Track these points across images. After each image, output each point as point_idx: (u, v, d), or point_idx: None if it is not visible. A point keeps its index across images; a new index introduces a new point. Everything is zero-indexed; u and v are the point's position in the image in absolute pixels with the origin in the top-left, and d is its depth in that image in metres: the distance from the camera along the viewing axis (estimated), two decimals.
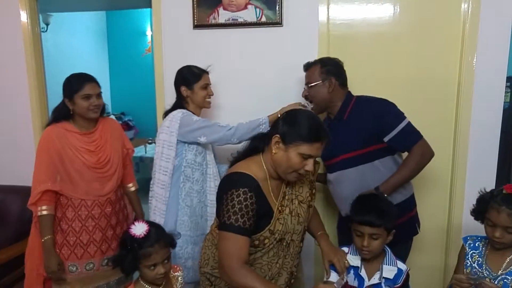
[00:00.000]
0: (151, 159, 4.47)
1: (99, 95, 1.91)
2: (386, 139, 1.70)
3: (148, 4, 2.45)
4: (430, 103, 2.16)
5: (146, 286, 1.34)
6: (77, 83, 1.87)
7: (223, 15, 2.29)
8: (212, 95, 2.07)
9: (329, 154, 1.76)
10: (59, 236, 1.90)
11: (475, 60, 2.04)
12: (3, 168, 2.67)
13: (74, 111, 1.89)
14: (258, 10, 2.26)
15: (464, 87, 2.08)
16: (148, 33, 5.49)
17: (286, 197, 1.43)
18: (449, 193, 2.20)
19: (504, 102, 3.65)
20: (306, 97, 1.89)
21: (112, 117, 3.34)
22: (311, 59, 2.19)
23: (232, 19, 2.29)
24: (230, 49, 2.32)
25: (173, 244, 1.38)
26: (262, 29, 2.26)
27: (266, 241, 1.36)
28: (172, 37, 2.39)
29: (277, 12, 2.21)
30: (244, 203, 1.28)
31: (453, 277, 1.42)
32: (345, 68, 2.21)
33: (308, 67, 1.89)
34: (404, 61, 2.16)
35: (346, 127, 1.77)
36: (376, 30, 2.18)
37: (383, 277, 1.47)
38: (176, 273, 1.46)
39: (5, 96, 2.66)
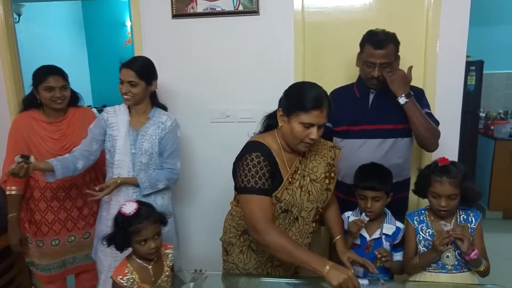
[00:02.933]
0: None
1: (63, 88, 2.04)
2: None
3: None
4: None
5: (138, 260, 1.42)
6: (41, 74, 2.02)
7: (201, 5, 2.35)
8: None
9: (361, 119, 1.91)
10: (27, 214, 2.09)
11: (437, 44, 2.18)
12: None
13: (41, 100, 2.05)
14: None
15: (428, 69, 2.22)
16: (128, 24, 5.43)
17: (299, 172, 1.52)
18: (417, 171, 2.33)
19: (469, 85, 3.91)
20: (378, 78, 1.85)
21: (94, 110, 3.35)
22: (287, 47, 2.31)
23: (210, 8, 2.36)
24: (208, 38, 2.39)
25: (163, 222, 1.46)
26: (239, 18, 2.33)
27: (273, 207, 1.47)
28: (151, 27, 2.42)
29: (254, 1, 2.28)
30: (258, 166, 1.42)
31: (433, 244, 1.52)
32: (320, 54, 2.34)
33: (384, 45, 1.82)
34: None
35: (391, 103, 1.85)
36: (349, 18, 2.28)
37: (383, 233, 1.69)
38: (167, 251, 1.53)
39: None
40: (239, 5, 2.33)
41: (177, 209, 2.54)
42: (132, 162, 1.89)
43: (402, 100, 1.80)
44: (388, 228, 1.71)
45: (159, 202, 1.96)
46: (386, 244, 1.70)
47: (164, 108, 2.08)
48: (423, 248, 1.61)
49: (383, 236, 1.70)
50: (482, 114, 4.28)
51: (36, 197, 2.08)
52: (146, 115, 1.96)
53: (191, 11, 2.37)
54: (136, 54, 2.46)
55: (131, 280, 1.39)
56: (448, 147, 2.24)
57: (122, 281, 1.37)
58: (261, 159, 1.42)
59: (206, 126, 2.46)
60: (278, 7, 2.29)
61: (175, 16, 2.38)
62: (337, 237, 1.64)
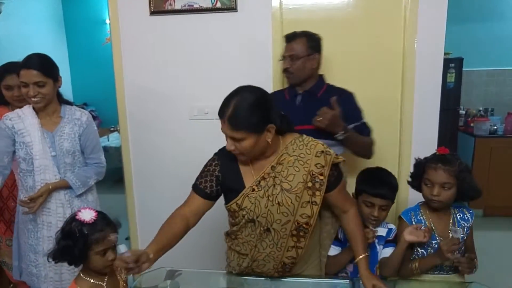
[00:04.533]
0: (115, 148, 4.45)
1: (19, 87, 1.92)
2: (351, 126, 1.79)
3: None
4: (378, 82, 2.29)
5: (90, 279, 1.27)
6: (0, 73, 2.00)
7: (179, 1, 2.32)
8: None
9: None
10: None
11: (416, 40, 2.18)
12: None
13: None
14: None
15: (407, 66, 2.22)
16: (108, 21, 5.37)
17: (266, 179, 1.39)
18: (397, 168, 2.33)
19: (449, 82, 3.95)
20: (286, 69, 1.86)
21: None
22: (266, 44, 2.29)
23: (188, 5, 2.33)
24: (186, 35, 2.36)
25: (117, 231, 1.31)
26: (217, 15, 2.31)
27: (237, 214, 1.43)
28: (129, 24, 2.39)
29: None
30: (207, 167, 1.47)
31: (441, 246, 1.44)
32: None
33: (292, 38, 1.85)
34: (354, 43, 2.27)
35: (318, 103, 1.78)
36: (327, 15, 2.27)
37: (377, 235, 1.60)
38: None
39: None
40: (217, 1, 2.31)
41: (154, 206, 2.53)
42: (55, 165, 1.79)
43: (340, 137, 1.72)
44: (381, 231, 1.62)
45: (90, 199, 1.91)
46: (379, 248, 1.61)
47: (70, 103, 1.95)
48: (422, 250, 1.54)
49: (376, 240, 1.61)
50: (462, 112, 4.32)
51: (4, 196, 2.04)
52: (57, 114, 1.84)
53: (169, 8, 2.34)
54: (114, 51, 2.43)
55: None
56: (427, 144, 2.24)
57: None
58: (214, 162, 1.47)
59: (185, 123, 2.43)
60: (256, 4, 2.27)
61: (153, 13, 2.34)
62: (360, 257, 1.43)
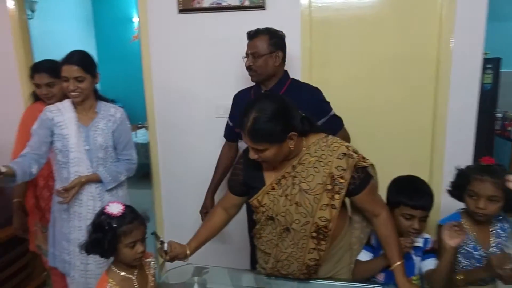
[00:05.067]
0: (142, 145, 4.50)
1: (48, 85, 2.04)
2: (320, 121, 1.77)
3: None
4: (409, 84, 2.22)
5: (120, 272, 1.31)
6: (31, 71, 2.10)
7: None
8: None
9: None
10: (35, 201, 2.16)
11: (452, 40, 2.09)
12: None
13: None
14: None
15: (442, 67, 2.13)
16: (135, 19, 5.45)
17: (286, 178, 1.39)
18: (428, 173, 2.26)
19: (486, 84, 3.79)
20: (249, 67, 1.84)
21: None
22: (294, 42, 2.25)
23: (216, 3, 2.32)
24: (214, 33, 2.35)
25: (145, 224, 1.36)
26: (245, 13, 2.29)
27: (257, 211, 1.46)
28: (157, 22, 2.41)
29: None
30: (235, 165, 1.56)
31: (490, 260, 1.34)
32: (327, 50, 2.28)
33: (254, 36, 1.84)
34: (385, 42, 2.21)
35: None
36: (357, 13, 2.21)
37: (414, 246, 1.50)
38: (148, 259, 1.42)
39: None
40: (245, 0, 2.29)
41: (180, 202, 2.54)
42: (89, 158, 1.84)
43: None
44: (418, 240, 1.52)
45: (120, 194, 1.95)
46: (417, 260, 1.52)
47: (107, 100, 2.00)
48: (465, 261, 1.46)
49: (413, 251, 1.52)
50: (499, 115, 4.13)
51: (40, 185, 2.11)
52: (93, 110, 1.89)
53: (197, 5, 2.34)
54: (143, 49, 2.46)
55: None
56: (463, 148, 2.17)
57: None
58: (240, 160, 1.53)
59: (212, 121, 2.42)
60: (285, 2, 2.24)
61: (181, 11, 2.35)
62: (396, 264, 1.37)
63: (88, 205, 1.83)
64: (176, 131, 2.50)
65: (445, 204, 2.07)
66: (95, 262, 1.81)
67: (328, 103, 1.88)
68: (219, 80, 2.40)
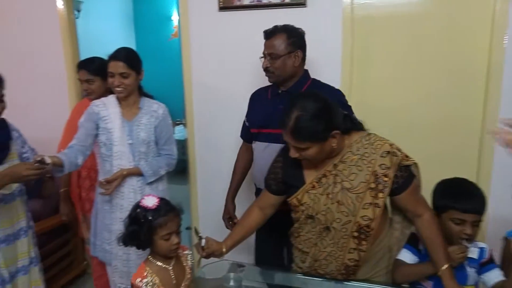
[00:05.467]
0: (178, 141, 4.58)
1: (87, 81, 2.15)
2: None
3: None
4: (458, 86, 2.12)
5: (157, 262, 1.34)
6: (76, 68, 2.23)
7: None
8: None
9: (267, 123, 1.79)
10: (79, 190, 2.26)
11: (506, 38, 1.98)
12: (44, 148, 2.83)
13: None
14: None
15: (494, 69, 2.02)
16: (174, 18, 5.55)
17: (327, 177, 1.37)
18: (475, 177, 2.15)
19: None
20: (266, 69, 1.75)
21: None
22: (335, 41, 2.22)
23: (257, 0, 2.32)
24: (254, 31, 2.34)
25: (180, 217, 1.38)
26: (286, 10, 2.27)
27: (297, 209, 1.44)
28: (198, 20, 2.43)
29: None
30: (273, 163, 1.53)
31: None
32: (370, 50, 2.23)
33: (271, 35, 1.72)
34: (432, 41, 2.13)
35: None
36: (402, 10, 2.14)
37: (468, 257, 1.40)
38: (185, 252, 1.45)
39: (44, 83, 2.80)
40: None
41: (216, 199, 2.56)
42: (131, 152, 1.89)
43: None
44: (472, 251, 1.41)
45: (160, 188, 1.99)
46: (471, 271, 1.42)
47: (150, 96, 2.04)
48: None
49: (467, 262, 1.41)
50: None
51: (83, 176, 2.20)
52: (137, 106, 1.94)
53: (238, 3, 2.35)
54: (183, 47, 2.50)
55: (151, 283, 1.30)
56: None
57: (141, 284, 1.29)
58: (278, 158, 1.51)
59: None
60: None
61: (221, 8, 2.37)
62: (443, 267, 1.31)
63: (130, 197, 1.88)
64: (214, 128, 2.53)
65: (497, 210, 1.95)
66: (136, 252, 1.84)
67: (349, 106, 1.74)
68: (257, 79, 2.38)
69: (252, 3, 2.32)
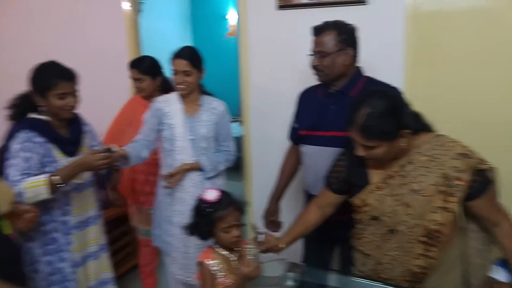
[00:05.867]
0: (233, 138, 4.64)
1: (137, 80, 2.27)
2: None
3: None
4: None
5: (222, 251, 1.39)
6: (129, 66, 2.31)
7: None
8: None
9: (318, 125, 1.72)
10: (131, 183, 2.38)
11: None
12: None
13: None
14: None
15: None
16: (229, 16, 5.64)
17: (394, 178, 1.33)
18: None
19: None
20: (315, 67, 1.69)
21: None
22: (397, 39, 2.14)
23: None
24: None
25: (243, 210, 1.41)
26: (346, 8, 2.23)
27: (360, 210, 1.41)
28: (256, 18, 2.45)
29: None
30: (336, 162, 1.51)
31: None
32: (436, 50, 2.12)
33: (320, 31, 1.65)
34: (505, 39, 1.99)
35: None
36: (472, 6, 2.02)
37: None
38: (247, 245, 1.47)
39: (109, 80, 2.96)
40: None
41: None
42: (193, 147, 1.95)
43: None
44: None
45: (219, 183, 2.04)
46: None
47: (209, 93, 2.10)
48: None
49: None
50: None
51: (138, 170, 2.31)
52: (197, 102, 2.00)
53: (296, 1, 2.34)
54: (241, 45, 2.53)
55: (218, 266, 1.36)
56: None
57: (210, 263, 1.35)
58: (341, 157, 1.49)
59: None
60: None
61: (280, 7, 2.38)
62: None
63: (190, 191, 1.95)
64: (270, 126, 2.54)
65: None
66: (195, 245, 1.93)
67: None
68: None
69: (312, 1, 2.31)
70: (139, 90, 2.31)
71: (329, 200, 1.52)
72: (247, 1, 2.46)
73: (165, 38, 5.18)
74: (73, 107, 1.68)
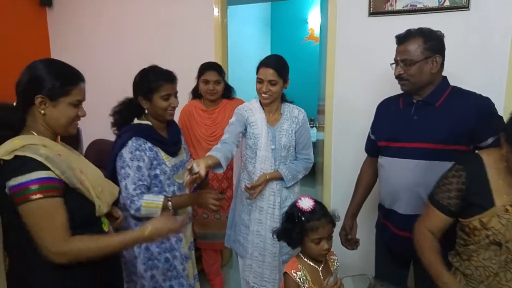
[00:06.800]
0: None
1: (217, 82, 2.35)
2: (483, 144, 1.46)
3: None
4: None
5: (308, 261, 1.37)
6: (201, 69, 2.39)
7: (401, 1, 2.24)
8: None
9: (398, 135, 1.62)
10: None
11: None
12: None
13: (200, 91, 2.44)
14: None
15: None
16: (309, 20, 5.64)
17: None
18: None
19: None
20: (399, 76, 1.61)
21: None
22: (503, 49, 1.99)
23: (411, 5, 2.22)
24: None
25: (334, 224, 1.39)
26: (444, 14, 2.13)
27: (477, 233, 1.26)
28: (345, 24, 2.43)
29: None
30: (450, 179, 1.32)
31: None
32: None
33: (404, 39, 1.58)
34: None
35: (437, 115, 1.55)
36: None
37: None
38: (332, 257, 1.47)
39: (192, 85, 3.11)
40: (445, 0, 2.13)
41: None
42: (273, 157, 1.94)
43: None
44: None
45: (296, 190, 2.03)
46: None
47: (290, 102, 2.07)
48: None
49: None
50: None
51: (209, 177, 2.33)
52: (279, 111, 1.99)
53: (389, 8, 2.28)
54: (329, 52, 2.50)
55: (304, 277, 1.34)
56: None
57: (295, 275, 1.34)
58: (457, 173, 1.30)
59: None
60: (495, 0, 1.98)
61: (372, 13, 2.33)
62: None
63: (269, 200, 1.97)
64: (352, 134, 2.49)
65: None
66: (271, 254, 1.95)
67: (500, 117, 1.50)
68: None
69: (406, 7, 2.23)
70: (213, 93, 2.36)
71: (441, 225, 1.35)
72: (337, 7, 2.43)
73: (245, 42, 5.34)
74: (175, 107, 1.78)
